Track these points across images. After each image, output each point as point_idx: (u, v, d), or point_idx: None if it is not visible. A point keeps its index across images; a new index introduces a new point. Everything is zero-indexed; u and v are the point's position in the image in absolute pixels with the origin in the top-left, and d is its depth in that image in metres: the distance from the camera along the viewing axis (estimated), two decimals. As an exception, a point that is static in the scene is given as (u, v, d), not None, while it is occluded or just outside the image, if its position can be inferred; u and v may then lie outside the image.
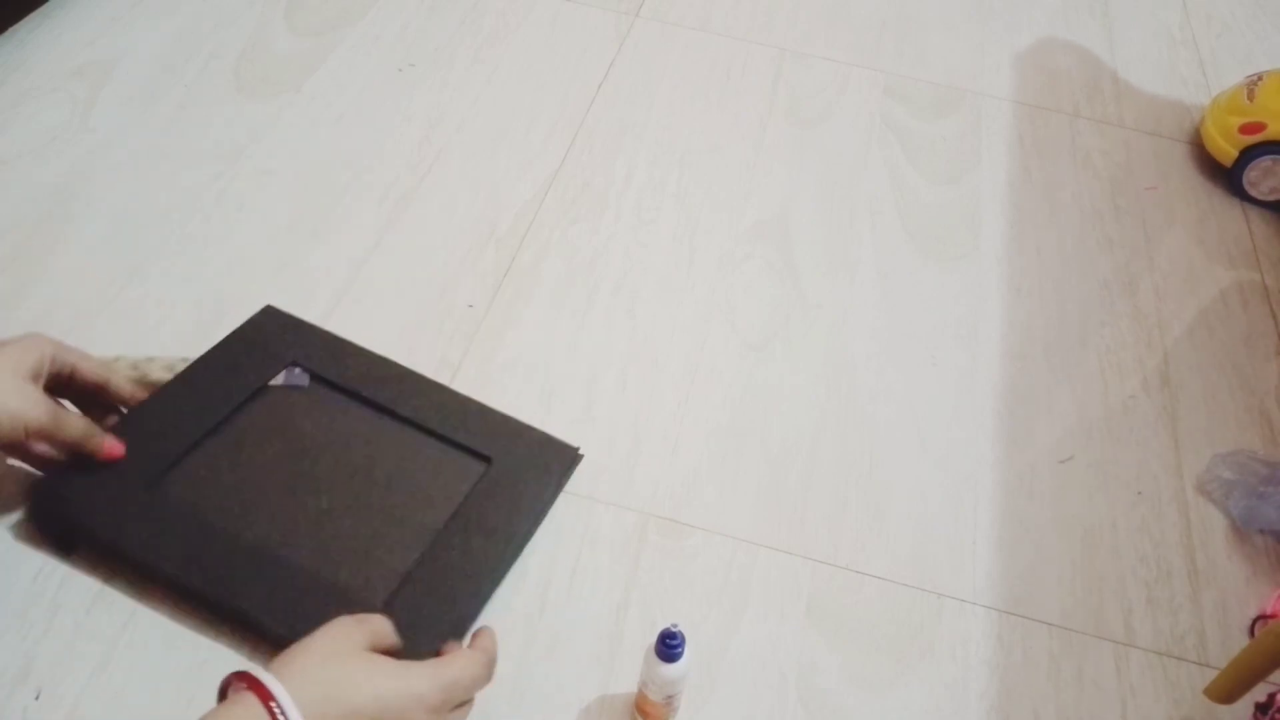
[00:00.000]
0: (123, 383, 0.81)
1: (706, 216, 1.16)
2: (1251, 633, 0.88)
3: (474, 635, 0.71)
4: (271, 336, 0.93)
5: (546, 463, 0.88)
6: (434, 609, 0.76)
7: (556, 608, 0.82)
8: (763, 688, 0.79)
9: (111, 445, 0.77)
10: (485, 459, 0.86)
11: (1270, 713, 0.77)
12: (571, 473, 0.88)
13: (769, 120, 1.30)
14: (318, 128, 1.19)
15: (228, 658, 0.76)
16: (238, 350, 0.92)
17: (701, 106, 1.30)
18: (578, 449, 0.89)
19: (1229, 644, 0.86)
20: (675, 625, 0.68)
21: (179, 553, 0.77)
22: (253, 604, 0.75)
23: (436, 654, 0.68)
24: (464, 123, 1.23)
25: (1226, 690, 0.74)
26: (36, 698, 0.72)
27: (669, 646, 0.68)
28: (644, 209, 1.16)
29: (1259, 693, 0.75)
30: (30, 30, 1.25)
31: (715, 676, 0.80)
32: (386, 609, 0.72)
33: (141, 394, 0.83)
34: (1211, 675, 0.77)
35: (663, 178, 1.20)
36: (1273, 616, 0.88)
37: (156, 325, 0.97)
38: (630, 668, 0.79)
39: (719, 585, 0.85)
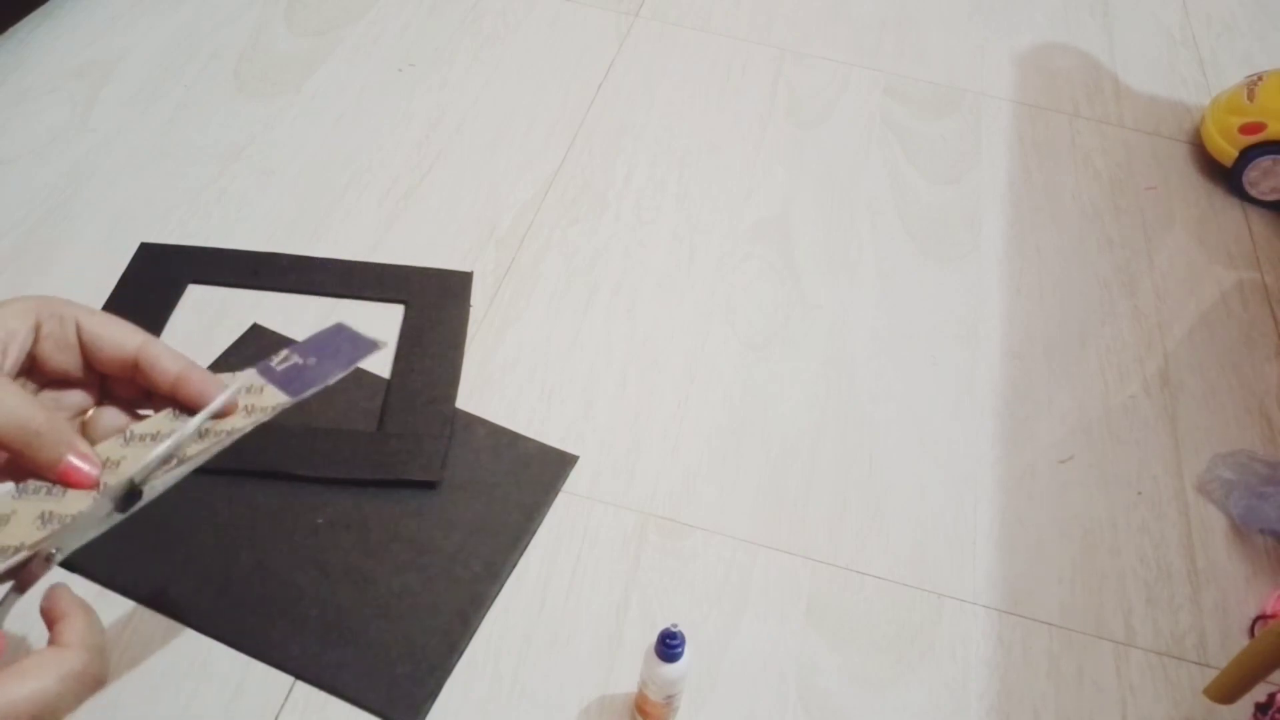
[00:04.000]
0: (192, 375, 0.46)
1: (706, 217, 1.16)
2: (1251, 633, 0.88)
3: (49, 606, 0.41)
4: (159, 270, 1.00)
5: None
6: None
7: (556, 608, 0.82)
8: (763, 688, 0.79)
9: (77, 469, 0.42)
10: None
11: (1270, 713, 0.77)
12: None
13: (769, 120, 1.30)
14: (318, 128, 1.19)
15: (228, 657, 0.77)
16: (132, 293, 0.98)
17: (701, 106, 1.30)
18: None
19: (1229, 644, 0.86)
20: (675, 625, 0.68)
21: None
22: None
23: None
24: (464, 123, 1.23)
25: (1226, 690, 0.74)
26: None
27: (669, 646, 0.68)
28: (644, 209, 1.16)
29: (1259, 693, 0.75)
30: (30, 30, 1.25)
31: (715, 676, 0.80)
32: None
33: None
34: (1211, 675, 0.77)
35: (663, 178, 1.20)
36: (1273, 616, 0.88)
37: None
38: (630, 668, 0.79)
39: (719, 585, 0.85)
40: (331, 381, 0.47)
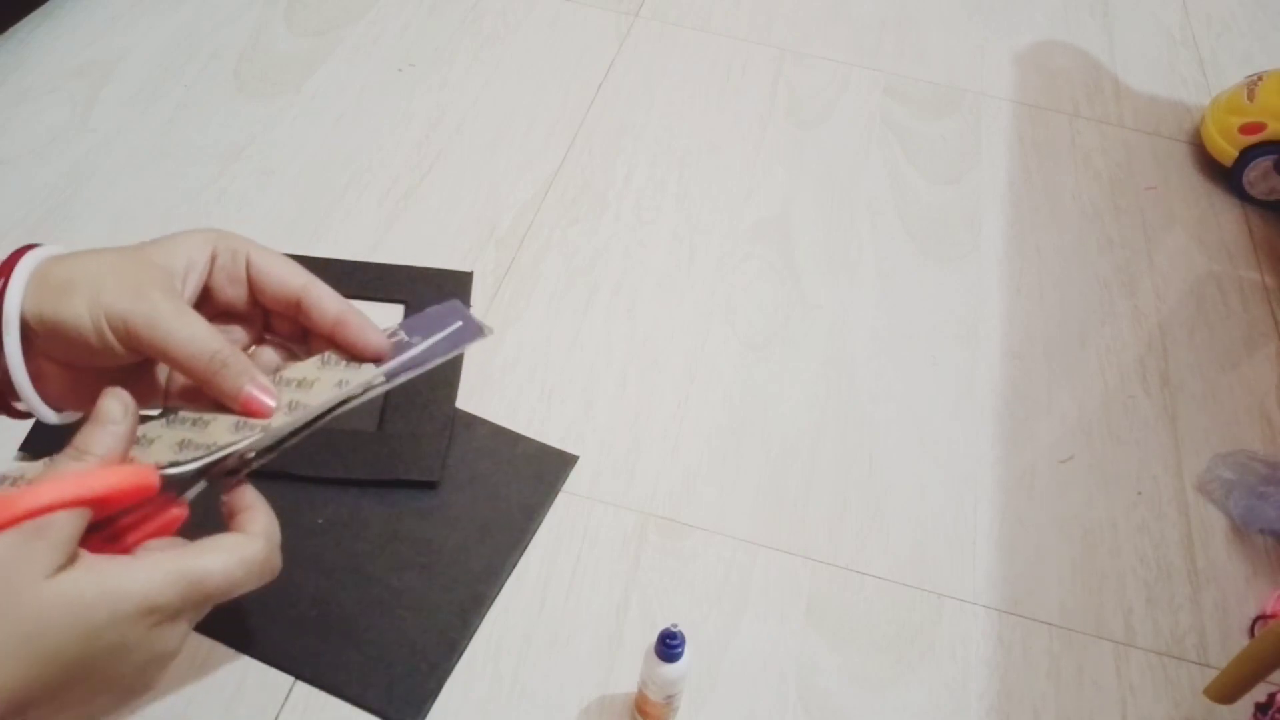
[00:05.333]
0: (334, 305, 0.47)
1: (706, 217, 1.16)
2: (1251, 633, 0.88)
3: (231, 499, 0.45)
4: None
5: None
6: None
7: (556, 608, 0.82)
8: (763, 688, 0.79)
9: (257, 399, 0.44)
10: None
11: (1270, 713, 0.77)
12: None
13: (769, 120, 1.30)
14: (318, 128, 1.19)
15: (228, 657, 0.76)
16: None
17: (701, 106, 1.30)
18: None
19: (1229, 644, 0.86)
20: (675, 625, 0.68)
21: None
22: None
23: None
24: (464, 123, 1.23)
25: (1226, 690, 0.74)
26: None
27: (669, 646, 0.68)
28: (644, 209, 1.16)
29: (1259, 693, 0.75)
30: (30, 30, 1.25)
31: (715, 676, 0.80)
32: None
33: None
34: (1211, 675, 0.77)
35: (662, 178, 1.20)
36: (1273, 616, 0.88)
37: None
38: (630, 668, 0.79)
39: (719, 585, 0.85)
40: (432, 365, 0.46)
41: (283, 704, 0.75)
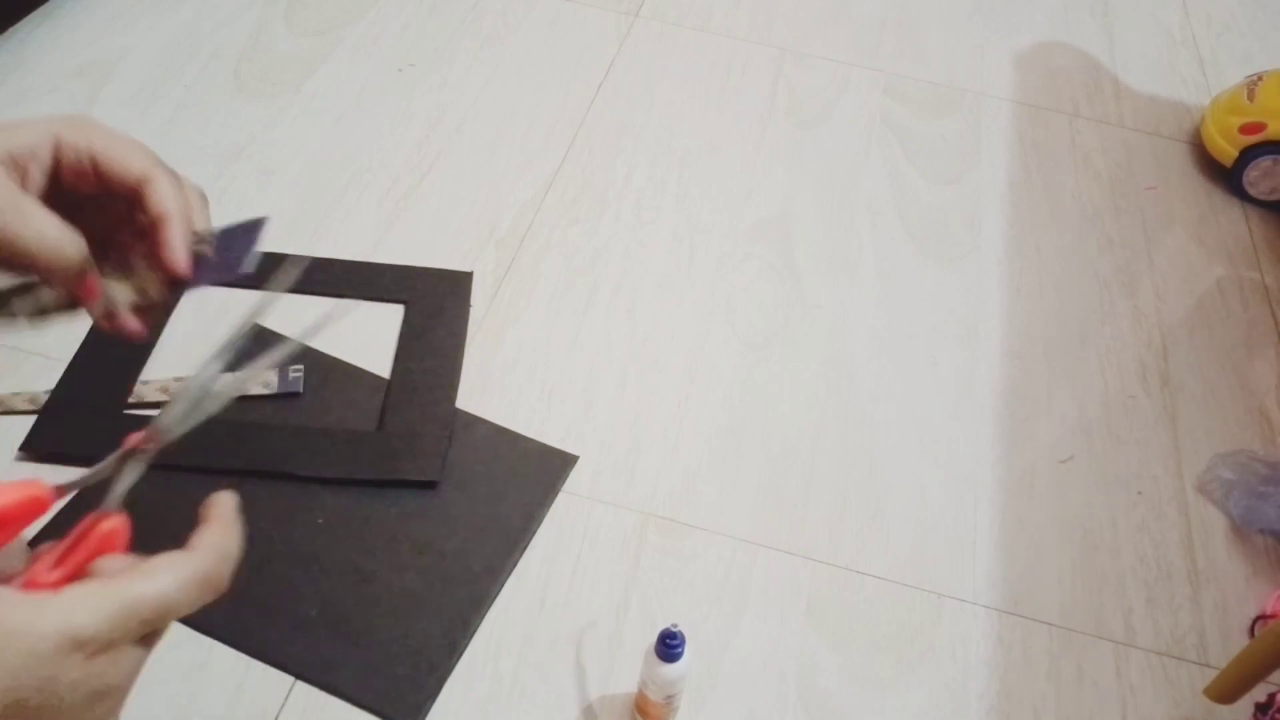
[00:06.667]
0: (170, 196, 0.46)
1: (706, 217, 1.16)
2: (1251, 633, 0.88)
3: (202, 511, 0.41)
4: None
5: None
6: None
7: (556, 608, 0.82)
8: (763, 688, 0.79)
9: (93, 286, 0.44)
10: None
11: (1270, 713, 0.77)
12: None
13: (769, 120, 1.30)
14: (318, 128, 1.19)
15: (228, 657, 0.76)
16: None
17: (701, 106, 1.30)
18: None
19: (1229, 644, 0.86)
20: (675, 625, 0.68)
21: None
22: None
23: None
24: (464, 123, 1.23)
25: (1226, 690, 0.74)
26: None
27: (669, 646, 0.68)
28: (644, 209, 1.16)
29: (1259, 693, 0.75)
30: (30, 30, 1.25)
31: (715, 676, 0.80)
32: None
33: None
34: (1211, 675, 0.77)
35: (663, 178, 1.20)
36: (1273, 616, 0.87)
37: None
38: (630, 668, 0.79)
39: (719, 585, 0.85)
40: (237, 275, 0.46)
41: (283, 704, 0.75)
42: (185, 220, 0.46)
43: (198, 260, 0.45)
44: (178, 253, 0.45)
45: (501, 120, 1.24)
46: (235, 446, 0.87)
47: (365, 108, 1.23)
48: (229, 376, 0.43)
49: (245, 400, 0.90)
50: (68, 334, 0.94)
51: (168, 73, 1.23)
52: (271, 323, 0.98)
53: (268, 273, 0.46)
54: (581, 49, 1.36)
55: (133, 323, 0.45)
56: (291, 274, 0.46)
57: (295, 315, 0.99)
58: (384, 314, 1.01)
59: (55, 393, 0.90)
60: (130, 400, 0.89)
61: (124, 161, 0.45)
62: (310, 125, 1.20)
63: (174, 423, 0.42)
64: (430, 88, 1.27)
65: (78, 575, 0.37)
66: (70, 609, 0.34)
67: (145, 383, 0.91)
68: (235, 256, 0.46)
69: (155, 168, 0.45)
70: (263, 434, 0.88)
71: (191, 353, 0.94)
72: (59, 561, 0.38)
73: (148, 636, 0.37)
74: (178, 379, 0.90)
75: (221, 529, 0.40)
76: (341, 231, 1.08)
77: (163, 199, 0.45)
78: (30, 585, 0.36)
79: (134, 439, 0.41)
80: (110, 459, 0.40)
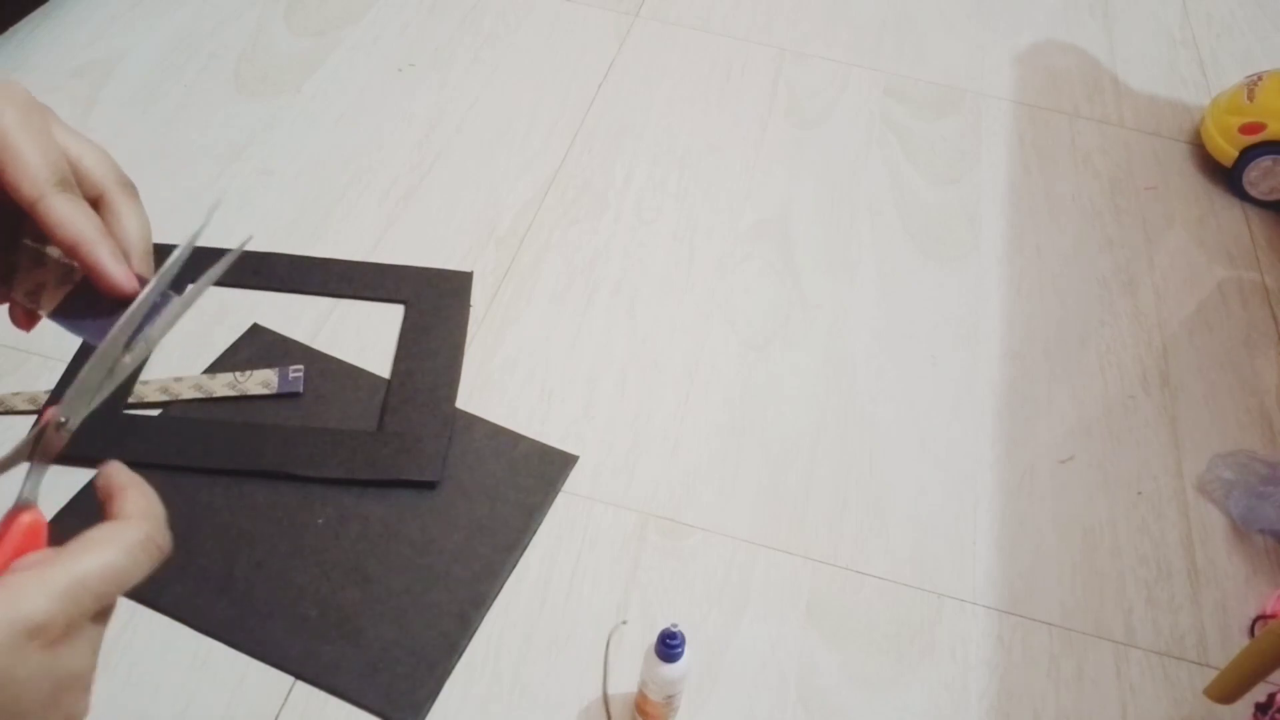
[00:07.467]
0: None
1: (706, 217, 1.16)
2: (1251, 633, 0.88)
3: (104, 483, 0.39)
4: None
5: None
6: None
7: (556, 608, 0.82)
8: (763, 688, 0.79)
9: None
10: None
11: (1270, 713, 0.77)
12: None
13: (769, 120, 1.30)
14: (318, 128, 1.19)
15: (228, 657, 0.76)
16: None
17: (701, 106, 1.30)
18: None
19: (1229, 644, 0.86)
20: (675, 625, 0.68)
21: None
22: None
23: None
24: (464, 123, 1.23)
25: (1226, 690, 0.74)
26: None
27: (669, 646, 0.68)
28: (644, 209, 1.16)
29: (1259, 693, 0.75)
30: (30, 30, 1.25)
31: (715, 676, 0.80)
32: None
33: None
34: (1211, 675, 0.77)
35: (663, 178, 1.20)
36: (1273, 616, 0.87)
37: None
38: (630, 668, 0.79)
39: (719, 585, 0.85)
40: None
41: (283, 704, 0.75)
42: (103, 240, 0.40)
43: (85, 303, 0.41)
44: (114, 276, 0.40)
45: (501, 120, 1.24)
46: (235, 446, 0.87)
47: (365, 108, 1.23)
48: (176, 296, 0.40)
49: (245, 400, 0.91)
50: (68, 334, 0.94)
51: (167, 73, 1.23)
52: (272, 323, 0.98)
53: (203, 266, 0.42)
54: (581, 49, 1.36)
55: (21, 318, 0.41)
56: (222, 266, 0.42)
57: (294, 314, 0.99)
58: (384, 314, 1.01)
59: (55, 393, 0.90)
60: (130, 400, 0.89)
61: (15, 178, 0.38)
62: (310, 125, 1.20)
63: (121, 333, 0.39)
64: (430, 88, 1.27)
65: None
66: (14, 597, 0.32)
67: (145, 383, 0.91)
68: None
69: (53, 188, 0.39)
70: (263, 434, 0.88)
71: (192, 353, 0.94)
72: None
73: (100, 613, 0.35)
74: (177, 379, 0.90)
75: (137, 493, 0.38)
76: (341, 231, 1.08)
77: (60, 224, 0.38)
78: None
79: (50, 413, 0.37)
80: (22, 441, 0.37)
